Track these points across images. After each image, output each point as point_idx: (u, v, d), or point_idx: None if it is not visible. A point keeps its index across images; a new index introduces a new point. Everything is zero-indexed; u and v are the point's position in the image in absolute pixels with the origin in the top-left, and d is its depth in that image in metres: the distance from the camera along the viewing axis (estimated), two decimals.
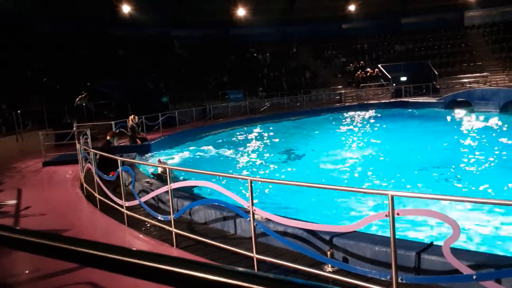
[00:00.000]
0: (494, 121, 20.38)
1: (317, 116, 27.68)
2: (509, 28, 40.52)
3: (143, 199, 6.93)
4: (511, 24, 40.84)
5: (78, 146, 10.76)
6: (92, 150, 9.16)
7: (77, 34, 30.98)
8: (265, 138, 21.00)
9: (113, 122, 17.13)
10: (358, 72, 37.55)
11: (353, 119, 26.98)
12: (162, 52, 34.15)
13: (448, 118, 23.75)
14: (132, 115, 16.71)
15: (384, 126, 22.56)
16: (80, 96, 22.60)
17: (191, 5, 36.67)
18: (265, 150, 17.10)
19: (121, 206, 7.20)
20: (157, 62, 32.52)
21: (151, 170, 11.03)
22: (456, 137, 17.04)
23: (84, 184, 9.78)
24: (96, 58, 29.16)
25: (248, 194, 4.77)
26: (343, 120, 26.11)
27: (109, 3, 33.58)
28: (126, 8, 33.89)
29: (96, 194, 8.34)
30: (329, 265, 4.70)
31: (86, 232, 7.17)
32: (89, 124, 16.63)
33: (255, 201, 4.88)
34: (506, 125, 19.08)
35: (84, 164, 9.93)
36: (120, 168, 7.25)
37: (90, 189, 9.11)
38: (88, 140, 12.54)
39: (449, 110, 25.70)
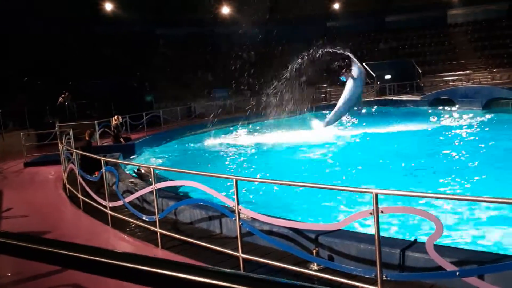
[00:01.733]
0: (477, 119, 20.65)
1: (303, 114, 27.73)
2: (491, 26, 41.08)
3: (127, 199, 6.87)
4: (494, 22, 41.41)
5: (60, 146, 10.62)
6: (75, 150, 9.04)
7: (60, 32, 30.59)
8: (250, 136, 20.97)
9: (96, 122, 16.95)
10: (343, 71, 37.69)
11: None
12: (146, 50, 33.91)
13: (432, 116, 24.00)
14: (116, 115, 16.56)
15: (369, 124, 22.70)
16: (62, 96, 22.32)
17: (176, 3, 36.47)
18: (251, 149, 17.08)
19: (105, 206, 7.12)
20: (141, 60, 32.27)
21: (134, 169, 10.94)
22: (439, 134, 17.22)
23: (67, 184, 9.65)
24: (79, 56, 28.83)
25: (234, 193, 4.76)
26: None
27: (92, 1, 33.20)
28: (109, 6, 33.56)
29: (79, 195, 8.24)
30: (315, 264, 4.70)
31: (69, 234, 7.08)
32: (71, 124, 16.43)
33: (240, 200, 4.86)
34: (488, 123, 19.36)
35: (66, 165, 9.80)
36: (103, 168, 7.17)
37: (73, 190, 8.99)
38: (71, 140, 12.38)
39: (433, 108, 25.97)
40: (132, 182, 8.67)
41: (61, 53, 28.64)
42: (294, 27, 41.41)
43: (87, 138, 12.15)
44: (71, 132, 12.74)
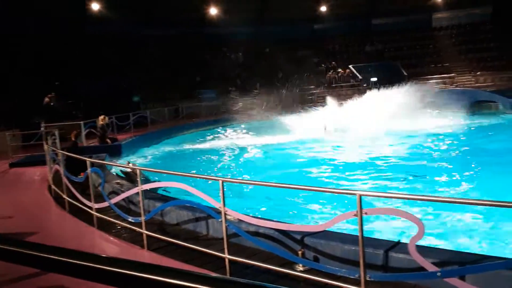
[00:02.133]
0: (460, 121, 20.93)
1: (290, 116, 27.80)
2: (475, 30, 41.69)
3: (113, 200, 6.85)
4: (478, 26, 42.02)
5: (46, 147, 10.53)
6: (60, 151, 8.98)
7: (46, 32, 30.24)
8: (238, 138, 21.00)
9: (82, 122, 16.82)
10: (330, 73, 37.97)
11: None
12: (133, 51, 33.71)
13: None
14: (102, 116, 16.46)
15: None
16: (48, 96, 22.10)
17: (165, 3, 36.32)
18: (238, 151, 17.10)
19: (91, 208, 7.09)
20: (129, 61, 32.08)
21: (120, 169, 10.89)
22: (421, 137, 17.40)
23: (52, 185, 9.58)
24: (65, 57, 28.54)
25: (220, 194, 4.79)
26: None
27: (79, 0, 32.90)
28: (96, 6, 33.30)
29: (64, 196, 8.19)
30: (300, 265, 4.75)
31: (54, 235, 7.04)
32: (57, 124, 16.28)
33: (227, 201, 4.89)
34: (471, 126, 19.65)
35: (52, 165, 9.72)
36: (89, 169, 7.14)
37: (58, 191, 8.93)
38: (56, 140, 12.28)
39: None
40: (118, 183, 8.64)
41: (47, 53, 28.31)
42: (282, 28, 41.51)
43: (73, 139, 12.08)
44: (56, 132, 12.63)
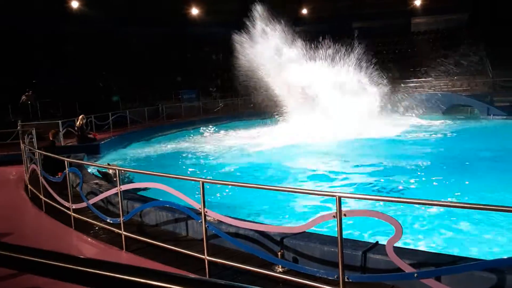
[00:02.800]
0: (437, 124, 21.33)
1: (271, 118, 27.89)
2: (452, 35, 42.61)
3: (91, 201, 6.76)
4: (455, 31, 42.96)
5: (22, 146, 10.34)
6: (38, 150, 8.83)
7: (25, 30, 29.69)
8: (218, 138, 20.96)
9: (60, 121, 16.56)
10: None
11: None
12: (113, 49, 33.33)
13: (394, 121, 24.58)
14: (82, 115, 16.26)
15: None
16: (25, 94, 21.69)
17: (144, 2, 36.02)
18: (217, 151, 17.06)
19: (68, 208, 6.99)
20: (108, 60, 31.72)
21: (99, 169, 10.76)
22: (400, 139, 17.65)
23: (28, 185, 9.40)
24: (43, 54, 28.06)
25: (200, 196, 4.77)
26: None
27: None
28: (75, 4, 32.84)
29: (41, 196, 8.04)
30: (280, 266, 4.77)
31: (30, 236, 6.91)
32: (34, 123, 15.99)
33: (207, 202, 4.88)
34: (448, 128, 20.03)
35: (28, 165, 9.54)
36: (67, 169, 7.04)
37: (35, 191, 8.77)
38: (34, 139, 12.07)
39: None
40: (96, 184, 8.53)
41: (26, 51, 27.81)
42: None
43: (51, 138, 11.86)
44: (33, 131, 12.42)
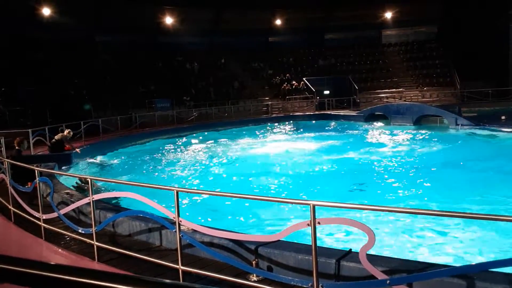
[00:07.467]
0: (407, 134, 21.80)
1: (245, 127, 27.99)
2: (422, 47, 43.85)
3: (63, 211, 6.62)
4: (423, 43, 44.23)
5: None
6: (6, 159, 8.60)
7: None
8: (192, 148, 20.87)
9: (30, 130, 16.14)
10: (284, 85, 38.57)
11: (279, 129, 27.64)
12: (85, 57, 32.85)
13: (367, 130, 25.06)
14: (68, 130, 15.67)
15: (308, 136, 23.30)
16: None
17: (116, 10, 35.68)
18: (192, 160, 16.98)
19: (38, 219, 6.82)
20: (80, 67, 31.22)
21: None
22: (373, 148, 17.99)
23: None
24: (12, 61, 27.40)
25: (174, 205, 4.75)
26: (270, 131, 26.65)
27: (27, 3, 31.71)
28: (46, 11, 32.25)
29: (10, 207, 7.83)
30: (254, 275, 4.77)
31: None
32: (3, 131, 15.56)
33: (181, 211, 4.85)
34: (417, 138, 20.51)
35: None
36: (37, 178, 6.88)
37: (3, 201, 8.52)
38: (2, 148, 11.76)
39: (368, 123, 27.15)
40: (67, 193, 8.37)
41: None
42: (238, 39, 41.82)
43: (16, 147, 11.57)
44: (2, 140, 12.10)
